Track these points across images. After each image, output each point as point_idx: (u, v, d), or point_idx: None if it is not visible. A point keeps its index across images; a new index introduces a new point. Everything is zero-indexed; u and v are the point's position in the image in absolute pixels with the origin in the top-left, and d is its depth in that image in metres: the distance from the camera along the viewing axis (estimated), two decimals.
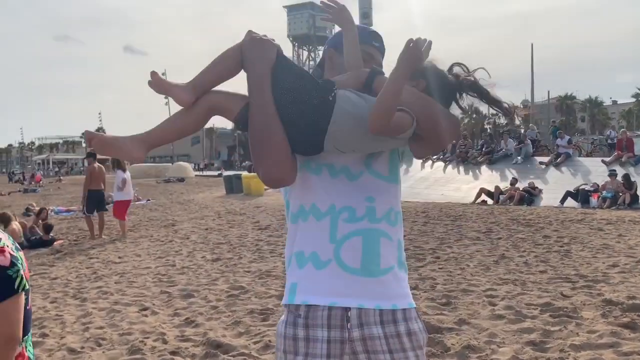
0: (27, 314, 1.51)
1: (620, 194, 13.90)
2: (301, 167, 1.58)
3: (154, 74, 1.53)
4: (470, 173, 19.52)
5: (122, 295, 5.89)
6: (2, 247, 1.42)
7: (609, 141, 17.49)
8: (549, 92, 69.48)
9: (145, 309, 5.31)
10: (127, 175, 11.48)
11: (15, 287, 1.40)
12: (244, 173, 27.04)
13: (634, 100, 78.76)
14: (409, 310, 1.60)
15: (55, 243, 9.97)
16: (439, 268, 6.76)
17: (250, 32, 1.56)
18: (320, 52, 1.92)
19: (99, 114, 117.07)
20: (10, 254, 1.44)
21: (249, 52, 1.52)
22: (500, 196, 16.06)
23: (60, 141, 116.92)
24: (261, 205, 16.94)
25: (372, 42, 1.73)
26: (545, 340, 4.03)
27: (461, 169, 19.87)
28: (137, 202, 19.78)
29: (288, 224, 1.70)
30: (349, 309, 1.54)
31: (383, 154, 1.65)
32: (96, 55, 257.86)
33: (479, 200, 16.22)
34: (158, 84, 1.53)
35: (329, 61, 1.76)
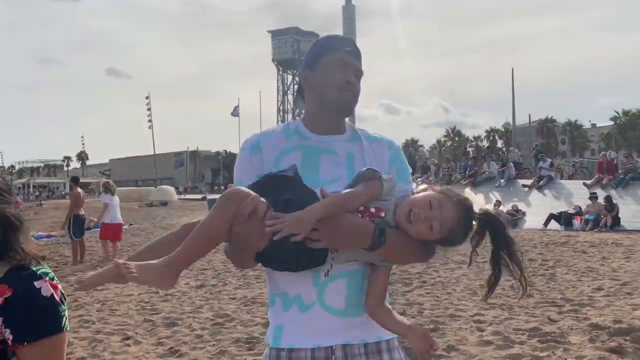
0: None
1: (602, 217, 14.07)
2: None
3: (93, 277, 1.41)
4: None
5: (104, 324, 5.76)
6: (55, 283, 1.41)
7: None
8: (529, 115, 70.89)
9: (128, 338, 5.18)
10: (116, 199, 11.75)
11: (62, 325, 1.39)
12: None
13: (612, 123, 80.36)
14: (392, 341, 1.60)
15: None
16: (426, 293, 6.73)
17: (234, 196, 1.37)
18: None
19: (82, 137, 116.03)
20: (61, 292, 1.42)
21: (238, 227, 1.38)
22: None
23: (42, 165, 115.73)
24: None
25: (343, 48, 1.66)
26: None
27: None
28: None
29: None
30: (333, 347, 1.53)
31: None
32: (80, 78, 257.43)
33: None
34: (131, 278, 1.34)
35: (304, 81, 1.70)
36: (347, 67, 1.64)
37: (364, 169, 1.47)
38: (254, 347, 4.74)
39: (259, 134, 1.71)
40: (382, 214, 1.44)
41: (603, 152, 20.19)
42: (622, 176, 16.58)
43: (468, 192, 19.30)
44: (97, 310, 6.42)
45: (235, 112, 48.33)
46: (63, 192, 66.89)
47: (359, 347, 1.54)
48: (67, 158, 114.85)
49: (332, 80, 1.63)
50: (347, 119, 1.75)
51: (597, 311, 5.54)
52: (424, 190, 1.53)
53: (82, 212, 11.27)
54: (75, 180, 11.84)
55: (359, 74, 1.67)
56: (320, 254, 1.41)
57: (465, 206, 1.49)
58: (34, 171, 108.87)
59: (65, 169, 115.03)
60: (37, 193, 66.43)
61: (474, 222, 1.49)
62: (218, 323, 5.62)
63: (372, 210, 1.43)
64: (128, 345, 4.97)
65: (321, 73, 1.65)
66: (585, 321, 5.13)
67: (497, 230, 1.49)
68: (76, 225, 10.91)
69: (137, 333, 5.35)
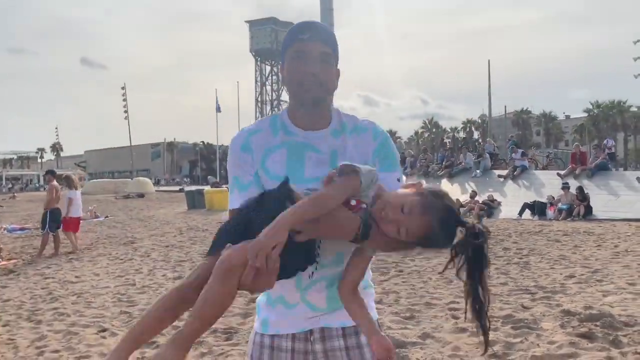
0: None
1: (575, 206, 14.36)
2: None
3: None
4: None
5: (80, 317, 5.69)
6: None
7: (607, 150, 18.07)
8: (505, 107, 71.60)
9: (104, 330, 5.14)
10: (79, 193, 11.88)
11: None
12: (207, 188, 26.74)
13: (585, 115, 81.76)
14: None
15: (7, 262, 9.63)
16: (402, 281, 6.81)
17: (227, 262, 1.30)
18: None
19: (56, 128, 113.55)
20: None
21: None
22: (460, 209, 16.36)
23: (15, 156, 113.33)
24: (224, 221, 16.74)
25: (298, 37, 1.59)
26: (507, 352, 4.09)
27: (422, 182, 20.18)
28: (94, 219, 19.30)
29: None
30: (312, 330, 1.61)
31: None
32: (52, 68, 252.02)
33: None
34: None
35: (282, 77, 1.70)
36: (306, 57, 1.57)
37: (341, 163, 1.43)
38: (232, 337, 4.74)
39: (247, 130, 1.69)
40: (364, 206, 1.41)
41: (576, 143, 20.55)
42: (592, 167, 16.91)
43: (444, 183, 19.54)
44: (72, 303, 6.34)
45: (217, 108, 48.22)
46: (37, 185, 65.67)
47: (337, 330, 1.61)
48: (41, 150, 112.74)
49: (293, 76, 1.60)
50: (335, 105, 1.72)
51: (568, 298, 5.67)
52: (410, 187, 1.47)
53: (57, 205, 11.23)
54: (52, 173, 11.73)
55: (326, 57, 1.59)
56: (309, 256, 1.41)
57: (440, 216, 1.38)
58: (6, 163, 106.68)
59: (39, 160, 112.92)
60: (10, 185, 65.08)
61: (456, 231, 1.39)
62: None
63: (353, 203, 1.40)
64: (104, 337, 4.93)
65: (286, 68, 1.64)
66: (557, 308, 5.25)
67: (480, 251, 1.37)
68: (52, 219, 10.90)
69: (113, 325, 5.31)
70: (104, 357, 4.31)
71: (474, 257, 1.36)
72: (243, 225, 1.39)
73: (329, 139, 1.64)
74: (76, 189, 11.70)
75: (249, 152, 1.63)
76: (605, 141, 19.61)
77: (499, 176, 18.87)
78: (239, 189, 1.62)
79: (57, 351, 4.56)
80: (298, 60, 1.59)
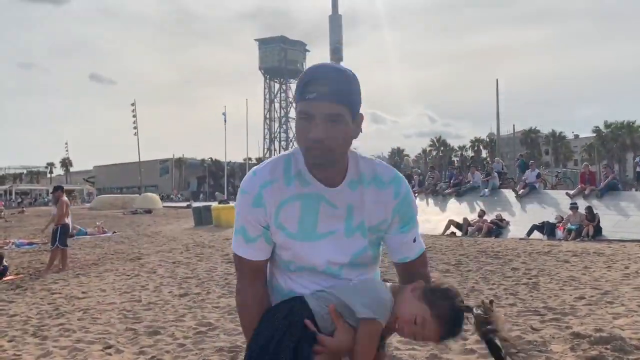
0: None
1: (585, 226, 14.23)
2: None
3: None
4: (439, 205, 19.75)
5: (86, 333, 5.68)
6: None
7: (638, 169, 18.19)
8: (514, 125, 71.87)
9: (110, 347, 5.12)
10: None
11: None
12: (214, 204, 26.78)
13: (594, 134, 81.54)
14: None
15: (14, 277, 9.67)
16: None
17: None
18: (292, 85, 1.90)
19: (66, 144, 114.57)
20: None
21: None
22: (469, 228, 16.26)
23: (24, 171, 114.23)
24: (230, 237, 16.70)
25: (306, 97, 1.45)
26: None
27: (430, 201, 20.11)
28: (102, 235, 19.35)
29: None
30: None
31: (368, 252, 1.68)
32: (62, 84, 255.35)
33: (447, 232, 16.40)
34: None
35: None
36: (312, 120, 1.44)
37: (361, 317, 1.50)
38: (237, 356, 4.70)
39: (260, 181, 1.58)
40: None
41: (585, 163, 20.45)
42: (602, 187, 16.80)
43: (452, 202, 19.46)
44: (78, 319, 6.33)
45: (224, 117, 49.06)
46: (46, 199, 66.06)
47: None
48: (51, 164, 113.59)
49: (299, 138, 1.51)
50: (350, 152, 1.60)
51: (578, 320, 5.58)
52: (413, 289, 1.58)
53: (67, 220, 11.31)
54: (61, 189, 11.83)
55: (336, 118, 1.44)
56: None
57: (451, 319, 1.54)
58: (16, 177, 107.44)
59: (49, 175, 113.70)
60: (20, 200, 65.48)
61: (466, 321, 1.56)
62: (201, 332, 5.58)
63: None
64: (109, 354, 4.91)
65: (295, 126, 1.54)
66: (567, 330, 5.17)
67: (490, 342, 1.55)
68: (63, 234, 10.96)
69: (118, 342, 5.29)
70: None
71: (488, 346, 1.56)
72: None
73: (345, 192, 1.58)
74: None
75: (261, 207, 1.57)
76: (637, 159, 19.46)
77: (518, 194, 18.41)
78: (245, 240, 1.62)
79: None
80: (304, 122, 1.46)
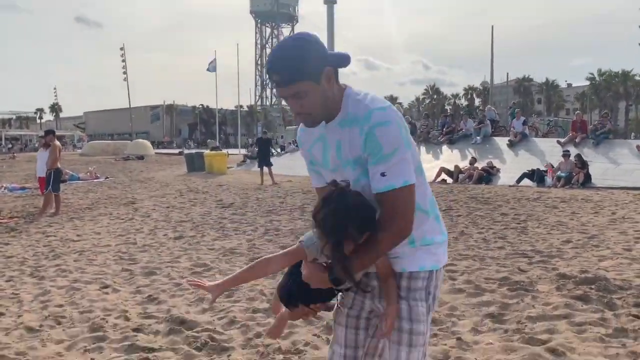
0: None
1: (574, 174, 14.38)
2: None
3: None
4: (431, 153, 19.81)
5: (82, 273, 5.77)
6: None
7: None
8: (507, 74, 71.09)
9: (106, 286, 5.22)
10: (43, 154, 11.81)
11: None
12: (206, 151, 26.70)
13: (587, 83, 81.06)
14: (415, 272, 1.84)
15: (8, 220, 9.72)
16: None
17: None
18: (284, 30, 1.96)
19: (54, 89, 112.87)
20: None
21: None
22: (460, 175, 16.39)
23: (13, 117, 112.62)
24: (224, 184, 16.80)
25: (272, 85, 1.85)
26: (503, 313, 4.16)
27: (422, 148, 20.13)
28: (95, 180, 19.35)
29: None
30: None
31: None
32: (47, 27, 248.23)
33: (438, 179, 16.54)
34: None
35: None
36: (285, 100, 1.72)
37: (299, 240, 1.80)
38: (233, 294, 4.81)
39: (301, 126, 1.92)
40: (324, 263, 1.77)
41: (578, 112, 20.43)
42: (596, 134, 16.84)
43: (445, 149, 19.53)
44: (74, 261, 6.42)
45: (211, 67, 46.86)
46: (36, 145, 65.48)
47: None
48: (40, 110, 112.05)
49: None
50: (346, 92, 1.78)
51: (565, 262, 5.73)
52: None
53: (59, 165, 11.29)
54: (53, 133, 11.69)
55: (299, 94, 1.68)
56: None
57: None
58: (5, 123, 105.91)
59: (38, 121, 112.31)
60: (10, 145, 64.87)
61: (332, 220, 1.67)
62: (196, 272, 5.69)
63: (324, 264, 1.77)
64: (107, 293, 5.01)
65: None
66: (554, 271, 5.32)
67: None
68: (56, 179, 10.96)
69: (115, 282, 5.39)
70: (106, 312, 4.40)
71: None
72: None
73: (336, 130, 1.77)
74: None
75: (302, 146, 1.97)
76: None
77: (510, 141, 18.41)
78: (309, 170, 2.00)
79: (60, 305, 4.63)
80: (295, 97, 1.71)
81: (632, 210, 9.54)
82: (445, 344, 3.58)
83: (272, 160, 18.58)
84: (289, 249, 1.83)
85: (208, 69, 46.35)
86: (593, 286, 4.66)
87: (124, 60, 58.76)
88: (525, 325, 3.85)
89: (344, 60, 1.75)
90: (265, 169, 17.41)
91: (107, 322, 4.14)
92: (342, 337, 1.95)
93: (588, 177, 14.32)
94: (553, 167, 15.20)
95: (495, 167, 16.53)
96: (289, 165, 20.43)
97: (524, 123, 19.45)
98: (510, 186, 14.69)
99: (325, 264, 1.76)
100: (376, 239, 1.68)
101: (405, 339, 1.78)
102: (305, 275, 1.78)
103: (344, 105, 1.75)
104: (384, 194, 1.68)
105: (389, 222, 1.69)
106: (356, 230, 1.65)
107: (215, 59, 44.80)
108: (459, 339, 3.64)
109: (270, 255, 1.86)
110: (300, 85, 1.66)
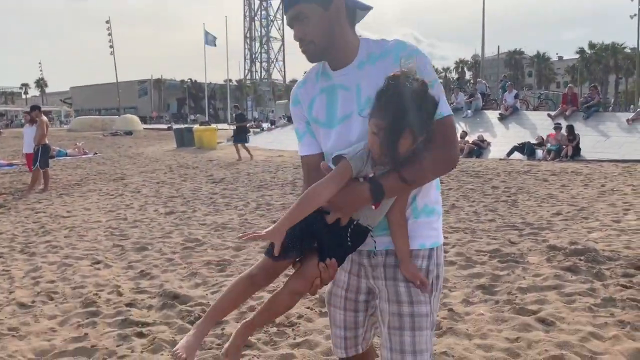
0: None
1: (564, 147, 14.44)
2: None
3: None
4: None
5: (73, 249, 5.75)
6: None
7: None
8: (498, 47, 70.61)
9: (98, 262, 5.20)
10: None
11: None
12: (196, 126, 26.50)
13: (578, 56, 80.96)
14: (415, 251, 1.74)
15: None
16: None
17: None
18: (273, 2, 1.89)
19: (39, 64, 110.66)
20: None
21: None
22: None
23: None
24: (214, 159, 16.72)
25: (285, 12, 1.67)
26: (494, 284, 4.20)
27: None
28: (83, 156, 19.18)
29: None
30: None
31: None
32: (31, 1, 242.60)
33: None
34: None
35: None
36: (292, 27, 1.66)
37: (334, 155, 1.59)
38: (225, 268, 4.82)
39: (297, 83, 1.85)
40: (370, 175, 1.55)
41: (570, 85, 20.41)
42: (585, 107, 16.87)
43: None
44: (64, 237, 6.39)
45: (209, 41, 45.92)
46: (22, 121, 64.64)
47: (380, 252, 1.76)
48: (25, 85, 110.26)
49: None
50: (359, 34, 1.72)
51: (554, 234, 5.79)
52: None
53: (47, 141, 11.17)
54: (39, 108, 11.54)
55: (300, 16, 1.61)
56: (362, 234, 1.65)
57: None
58: None
59: (24, 96, 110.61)
60: None
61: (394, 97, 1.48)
62: (188, 247, 5.68)
63: (361, 180, 1.56)
64: (98, 269, 4.99)
65: None
66: (544, 243, 5.37)
67: None
68: (44, 155, 10.87)
69: (106, 257, 5.37)
70: (98, 288, 4.39)
71: None
72: (309, 233, 1.60)
73: (354, 72, 1.67)
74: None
75: (298, 104, 1.81)
76: None
77: (500, 114, 18.46)
78: (298, 138, 1.84)
79: (52, 281, 4.62)
80: (299, 20, 1.64)
81: (621, 182, 9.62)
82: (437, 315, 3.61)
83: (251, 136, 18.36)
84: (331, 172, 1.58)
85: (207, 43, 45.63)
86: (582, 257, 4.71)
87: (110, 34, 57.82)
88: (516, 296, 3.90)
89: (362, 4, 1.69)
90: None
91: (99, 297, 4.14)
92: (341, 320, 1.89)
93: (578, 150, 14.40)
94: (543, 139, 15.26)
95: (486, 140, 16.56)
96: (280, 140, 20.35)
97: (516, 96, 19.44)
98: (500, 159, 14.74)
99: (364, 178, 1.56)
100: (424, 157, 1.54)
101: (407, 323, 1.68)
102: (339, 197, 1.54)
103: (363, 47, 1.67)
104: (437, 122, 1.57)
105: (440, 149, 1.58)
106: (420, 120, 1.47)
107: (211, 34, 44.05)
108: (450, 310, 3.68)
109: (314, 184, 1.58)
110: (302, 7, 1.60)
